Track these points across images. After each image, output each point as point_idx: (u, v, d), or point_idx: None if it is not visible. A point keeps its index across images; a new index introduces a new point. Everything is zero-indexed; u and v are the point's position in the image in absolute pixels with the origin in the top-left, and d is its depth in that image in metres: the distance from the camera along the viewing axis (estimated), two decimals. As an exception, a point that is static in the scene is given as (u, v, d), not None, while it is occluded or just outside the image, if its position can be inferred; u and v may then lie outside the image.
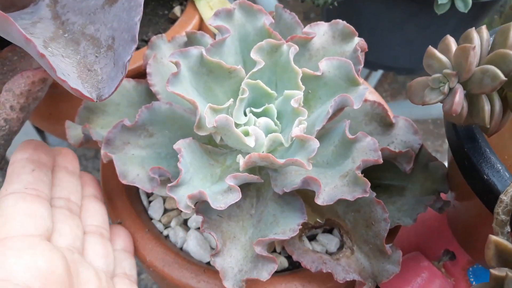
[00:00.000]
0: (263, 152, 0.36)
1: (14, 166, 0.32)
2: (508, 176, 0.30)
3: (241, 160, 0.34)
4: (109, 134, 0.37)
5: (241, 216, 0.36)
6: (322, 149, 0.36)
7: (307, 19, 1.13)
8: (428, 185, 0.39)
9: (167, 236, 0.41)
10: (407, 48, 0.70)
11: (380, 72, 0.95)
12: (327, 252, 0.39)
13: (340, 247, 0.39)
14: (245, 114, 0.37)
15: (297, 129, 0.34)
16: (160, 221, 0.41)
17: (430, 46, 0.28)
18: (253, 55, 0.37)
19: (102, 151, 0.36)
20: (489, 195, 0.31)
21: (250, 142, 0.34)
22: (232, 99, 0.36)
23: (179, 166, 0.32)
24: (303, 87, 0.36)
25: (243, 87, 0.36)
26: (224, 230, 0.34)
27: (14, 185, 0.31)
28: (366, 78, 0.84)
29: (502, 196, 0.27)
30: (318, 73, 0.37)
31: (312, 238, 0.40)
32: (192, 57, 0.36)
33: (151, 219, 0.41)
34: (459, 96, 0.25)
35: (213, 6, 0.53)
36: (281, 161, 0.32)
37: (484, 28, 0.27)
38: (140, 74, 0.48)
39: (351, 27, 0.40)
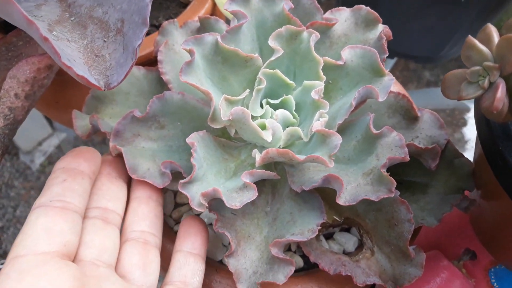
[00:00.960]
0: (280, 146, 0.34)
1: (49, 177, 0.31)
2: (546, 177, 0.28)
3: (257, 156, 0.32)
4: (118, 125, 0.35)
5: (255, 213, 0.34)
6: (343, 143, 0.34)
7: (319, 2, 1.10)
8: (452, 183, 0.37)
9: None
10: (426, 36, 0.67)
11: (394, 59, 0.92)
12: (344, 252, 0.37)
13: (358, 247, 0.38)
14: (262, 106, 0.35)
15: (318, 123, 0.31)
16: (170, 216, 0.40)
17: (469, 36, 0.25)
18: (271, 42, 0.35)
19: (111, 144, 0.35)
20: (524, 197, 0.29)
21: (267, 136, 0.32)
22: (248, 90, 0.34)
23: (192, 162, 0.30)
24: (324, 77, 0.34)
25: (260, 77, 0.34)
26: (238, 229, 0.32)
27: (42, 198, 0.29)
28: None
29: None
30: (340, 62, 0.35)
31: (328, 237, 0.38)
32: (207, 44, 0.34)
33: (161, 213, 0.40)
34: (501, 91, 0.23)
35: (227, -10, 0.51)
36: (301, 157, 0.29)
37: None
38: (150, 61, 0.46)
39: (375, 13, 0.38)
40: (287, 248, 0.38)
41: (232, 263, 0.31)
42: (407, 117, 0.37)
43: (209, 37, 0.34)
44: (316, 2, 0.41)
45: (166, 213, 0.40)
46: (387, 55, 0.36)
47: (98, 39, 0.30)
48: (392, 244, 0.33)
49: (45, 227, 0.28)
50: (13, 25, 0.36)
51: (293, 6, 0.37)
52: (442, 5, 0.60)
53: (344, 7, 0.39)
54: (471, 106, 0.78)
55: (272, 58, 0.34)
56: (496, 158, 0.29)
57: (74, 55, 0.28)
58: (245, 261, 0.31)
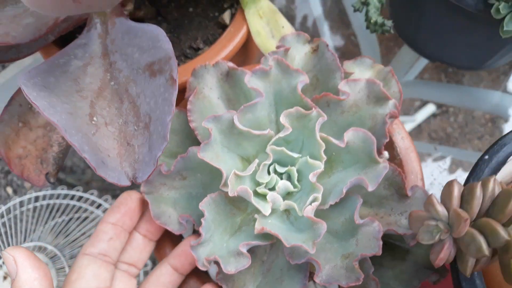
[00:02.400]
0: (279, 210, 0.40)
1: (99, 228, 0.41)
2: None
3: (257, 223, 0.38)
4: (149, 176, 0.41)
5: (253, 263, 0.41)
6: (336, 216, 0.39)
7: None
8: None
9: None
10: (469, 50, 0.66)
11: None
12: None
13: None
14: (269, 172, 0.41)
15: (309, 208, 0.37)
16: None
17: (432, 194, 0.29)
18: (282, 119, 0.39)
19: (142, 188, 0.42)
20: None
21: (266, 210, 0.38)
22: (256, 163, 0.39)
23: (200, 230, 0.37)
24: (325, 157, 0.39)
25: (268, 152, 0.39)
26: (236, 279, 0.40)
27: (92, 248, 0.39)
28: (416, 61, 0.80)
29: None
30: (342, 145, 0.38)
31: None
32: (224, 121, 0.38)
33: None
34: (444, 252, 0.27)
35: (263, 15, 0.53)
36: (288, 244, 0.35)
37: (492, 181, 0.28)
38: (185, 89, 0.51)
39: (386, 92, 0.40)
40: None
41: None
42: (400, 193, 0.41)
43: (226, 115, 0.38)
44: (338, 60, 0.43)
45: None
46: (388, 139, 0.40)
47: (131, 123, 0.36)
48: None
49: (94, 274, 0.38)
50: (68, 41, 0.41)
51: (308, 81, 0.40)
52: (485, 28, 0.59)
53: (361, 78, 0.41)
54: (510, 112, 0.77)
55: (281, 135, 0.39)
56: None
57: (109, 146, 0.34)
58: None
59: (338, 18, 0.86)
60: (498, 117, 0.78)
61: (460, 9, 0.55)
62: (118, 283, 0.40)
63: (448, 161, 0.75)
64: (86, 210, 0.72)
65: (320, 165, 0.38)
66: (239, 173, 0.38)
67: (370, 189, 0.37)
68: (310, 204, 0.37)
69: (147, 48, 0.37)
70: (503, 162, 0.35)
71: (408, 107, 0.80)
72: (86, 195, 0.71)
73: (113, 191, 0.75)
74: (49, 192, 0.71)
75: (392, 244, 0.43)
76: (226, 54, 0.51)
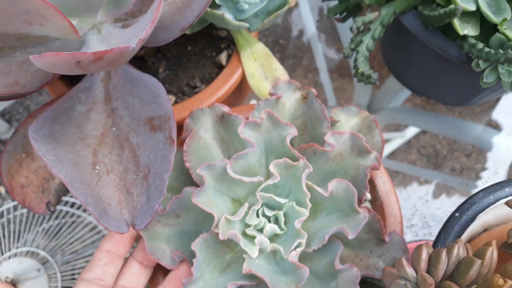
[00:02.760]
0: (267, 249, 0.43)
1: (95, 255, 0.44)
2: None
3: (245, 263, 0.41)
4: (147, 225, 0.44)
5: (241, 299, 0.44)
6: (320, 258, 0.43)
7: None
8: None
9: None
10: (453, 89, 0.69)
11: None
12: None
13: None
14: (258, 215, 0.44)
15: (293, 253, 0.40)
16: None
17: (402, 257, 0.32)
18: (272, 168, 0.42)
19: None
20: None
21: (253, 253, 0.41)
22: (246, 207, 0.42)
23: (192, 270, 0.40)
24: (310, 205, 0.42)
25: (258, 198, 0.42)
26: (223, 314, 0.43)
27: (88, 273, 0.43)
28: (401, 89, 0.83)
29: None
30: (326, 194, 0.42)
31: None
32: (218, 169, 0.41)
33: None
34: (412, 310, 0.30)
35: (257, 58, 0.56)
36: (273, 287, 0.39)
37: (457, 247, 0.31)
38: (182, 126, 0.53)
39: (368, 146, 0.44)
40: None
41: None
42: (378, 237, 0.44)
43: (220, 163, 0.41)
44: (325, 111, 0.47)
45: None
46: (368, 190, 0.43)
47: (130, 172, 0.39)
48: None
49: None
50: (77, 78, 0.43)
51: (296, 134, 0.43)
52: (467, 73, 0.62)
53: (346, 131, 0.45)
54: (491, 145, 0.81)
55: (270, 182, 0.42)
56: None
57: (110, 194, 0.37)
58: None
59: (333, 33, 0.88)
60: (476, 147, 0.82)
61: (444, 56, 0.58)
62: None
63: (431, 190, 0.78)
64: (79, 216, 0.75)
65: (305, 212, 0.41)
66: (229, 217, 0.41)
67: (350, 237, 0.40)
68: (295, 249, 0.40)
69: (148, 102, 0.40)
70: (472, 219, 0.38)
71: (399, 123, 0.83)
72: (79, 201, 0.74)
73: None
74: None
75: (370, 283, 0.46)
76: (221, 95, 0.54)
